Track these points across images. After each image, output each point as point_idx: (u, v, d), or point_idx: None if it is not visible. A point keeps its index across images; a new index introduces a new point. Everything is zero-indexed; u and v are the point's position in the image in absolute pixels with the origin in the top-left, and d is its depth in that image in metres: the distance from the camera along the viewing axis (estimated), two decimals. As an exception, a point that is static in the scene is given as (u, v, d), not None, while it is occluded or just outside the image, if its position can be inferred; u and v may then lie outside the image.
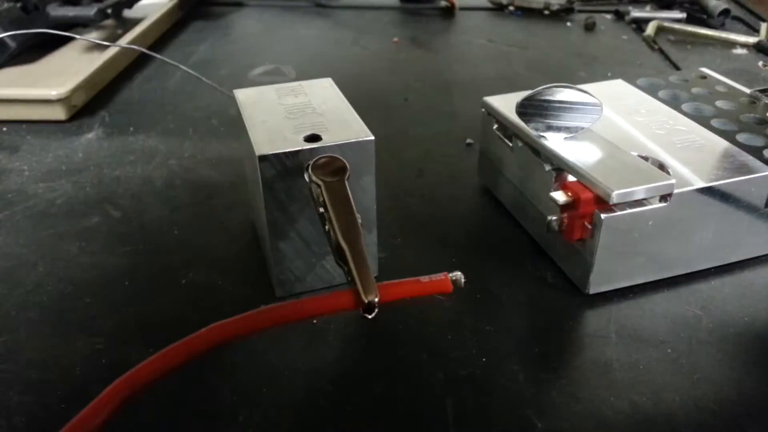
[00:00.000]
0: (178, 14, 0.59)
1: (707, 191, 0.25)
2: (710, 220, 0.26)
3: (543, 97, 0.26)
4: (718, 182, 0.25)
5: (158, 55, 0.36)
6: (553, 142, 0.26)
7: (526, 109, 0.26)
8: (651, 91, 0.33)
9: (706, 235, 0.26)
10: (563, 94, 0.26)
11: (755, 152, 0.27)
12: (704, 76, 0.35)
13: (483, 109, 0.31)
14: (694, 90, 0.33)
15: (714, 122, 0.29)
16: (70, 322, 0.25)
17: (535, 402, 0.21)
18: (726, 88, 0.33)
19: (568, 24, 0.59)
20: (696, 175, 0.25)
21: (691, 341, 0.23)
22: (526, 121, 0.27)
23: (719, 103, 0.31)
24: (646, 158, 0.26)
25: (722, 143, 0.28)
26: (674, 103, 0.31)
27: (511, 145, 0.29)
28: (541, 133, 0.27)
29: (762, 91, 0.33)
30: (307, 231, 0.24)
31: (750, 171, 0.25)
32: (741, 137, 0.28)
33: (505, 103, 0.30)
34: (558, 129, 0.26)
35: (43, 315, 0.25)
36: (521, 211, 0.30)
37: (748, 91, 0.33)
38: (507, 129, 0.29)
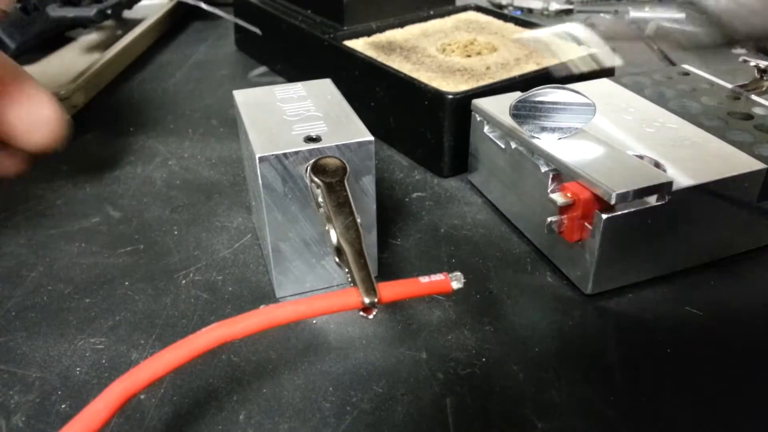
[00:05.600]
0: (177, 15, 0.59)
1: (704, 188, 0.25)
2: (706, 216, 0.26)
3: (536, 99, 0.26)
4: (714, 179, 0.25)
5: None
6: (548, 143, 0.26)
7: (520, 111, 0.26)
8: (637, 89, 0.33)
9: (703, 231, 0.26)
10: (556, 95, 0.26)
11: (745, 147, 0.27)
12: (687, 73, 0.35)
13: (473, 112, 0.31)
14: (679, 87, 0.33)
15: (702, 119, 0.30)
16: (70, 322, 0.25)
17: (535, 402, 0.21)
18: (709, 84, 0.33)
19: (568, 24, 0.59)
20: (692, 172, 0.25)
21: (690, 341, 0.23)
22: (520, 123, 0.27)
23: (704, 100, 0.31)
24: (641, 157, 0.26)
25: (713, 140, 0.28)
26: (661, 100, 0.31)
27: (503, 147, 0.29)
28: (535, 135, 0.27)
29: (743, 86, 0.33)
30: (307, 231, 0.24)
31: (742, 167, 0.26)
32: (730, 133, 0.28)
33: (496, 106, 0.30)
34: (552, 130, 0.27)
35: (43, 315, 0.25)
36: (515, 213, 0.30)
37: (730, 86, 0.33)
38: (499, 131, 0.29)
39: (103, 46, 0.50)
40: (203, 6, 0.50)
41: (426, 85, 0.33)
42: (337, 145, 0.23)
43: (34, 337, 0.24)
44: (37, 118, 0.28)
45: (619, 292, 0.26)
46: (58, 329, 0.24)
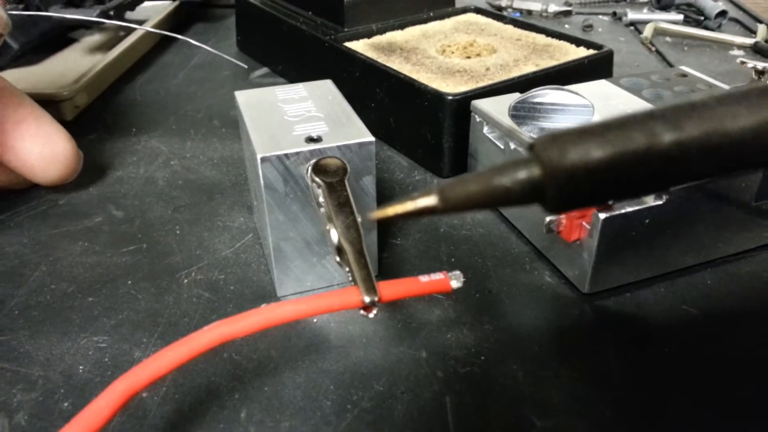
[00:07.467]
0: (180, 16, 0.59)
1: (701, 188, 0.25)
2: (704, 216, 0.26)
3: (535, 100, 0.26)
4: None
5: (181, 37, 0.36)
6: None
7: (519, 112, 0.27)
8: (635, 90, 0.33)
9: (701, 231, 0.26)
10: (554, 96, 0.26)
11: None
12: (684, 74, 0.35)
13: (472, 113, 0.31)
14: (677, 88, 0.33)
15: None
16: (72, 320, 0.25)
17: (535, 401, 0.21)
18: (707, 86, 0.33)
19: (566, 26, 0.59)
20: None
21: (688, 340, 0.24)
22: (519, 124, 0.27)
23: None
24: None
25: None
26: (658, 102, 0.32)
27: (503, 147, 0.29)
28: (534, 135, 0.27)
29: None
30: (307, 231, 0.25)
31: None
32: None
33: (496, 107, 0.30)
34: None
35: (45, 314, 0.25)
36: (514, 212, 0.30)
37: (727, 88, 0.33)
38: (498, 132, 0.30)
39: (105, 47, 0.50)
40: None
41: (426, 86, 0.33)
42: (337, 146, 0.23)
43: (37, 336, 0.24)
44: (54, 155, 0.29)
45: (617, 292, 0.26)
46: (61, 328, 0.24)
